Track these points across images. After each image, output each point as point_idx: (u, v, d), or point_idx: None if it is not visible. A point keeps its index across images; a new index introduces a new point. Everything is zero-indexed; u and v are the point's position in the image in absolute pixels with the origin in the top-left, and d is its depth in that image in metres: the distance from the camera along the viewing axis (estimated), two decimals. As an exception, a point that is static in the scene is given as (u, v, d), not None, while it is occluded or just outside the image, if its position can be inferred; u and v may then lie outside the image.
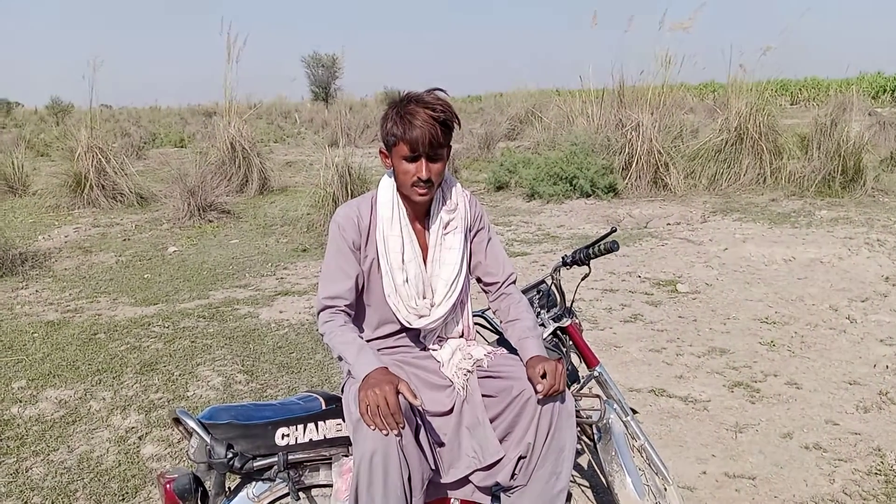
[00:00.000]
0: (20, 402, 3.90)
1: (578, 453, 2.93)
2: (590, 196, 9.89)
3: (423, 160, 1.92)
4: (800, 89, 34.73)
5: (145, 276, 6.71)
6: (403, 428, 1.70)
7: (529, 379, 1.90)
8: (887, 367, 4.10)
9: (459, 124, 1.98)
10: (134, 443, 3.42)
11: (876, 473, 3.01)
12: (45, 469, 3.20)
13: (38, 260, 7.23)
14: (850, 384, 3.90)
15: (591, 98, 11.86)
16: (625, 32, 11.44)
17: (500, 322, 2.21)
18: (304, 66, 47.56)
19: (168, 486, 1.78)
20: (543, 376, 1.87)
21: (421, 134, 1.87)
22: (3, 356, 4.59)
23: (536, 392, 1.87)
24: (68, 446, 3.40)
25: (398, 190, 2.03)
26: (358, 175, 8.62)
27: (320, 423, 1.91)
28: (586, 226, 8.47)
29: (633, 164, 10.22)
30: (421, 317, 2.03)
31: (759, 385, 3.92)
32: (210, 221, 9.24)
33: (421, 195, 1.96)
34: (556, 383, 1.86)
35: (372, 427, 1.68)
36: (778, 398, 3.75)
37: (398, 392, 1.70)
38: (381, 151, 2.04)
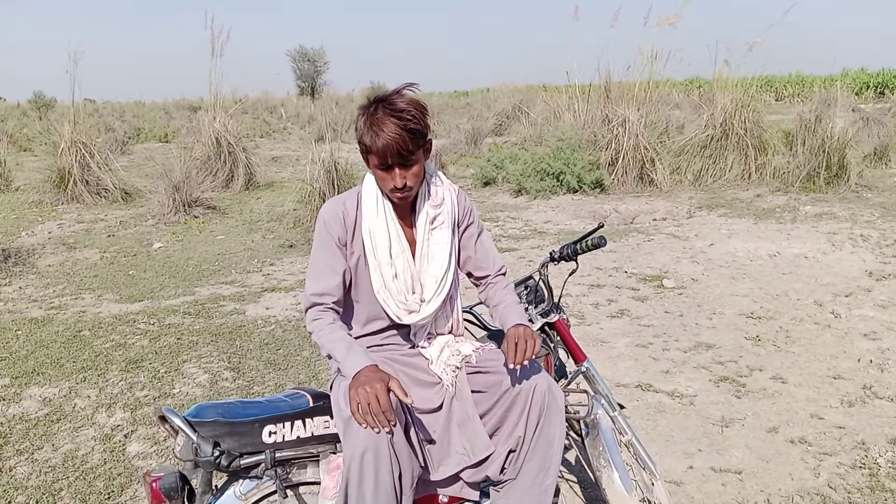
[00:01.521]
0: (3, 400, 3.86)
1: (566, 448, 2.93)
2: (576, 192, 9.91)
3: (396, 168, 1.88)
4: (784, 85, 35.01)
5: (130, 272, 6.65)
6: (395, 426, 1.69)
7: (504, 354, 1.90)
8: (871, 361, 4.13)
9: (429, 128, 1.92)
10: (119, 441, 3.39)
11: (860, 467, 3.04)
12: (29, 468, 3.16)
13: (21, 256, 7.15)
14: (835, 378, 3.93)
15: (577, 94, 11.87)
16: (611, 27, 11.43)
17: (489, 307, 2.21)
18: (289, 61, 47.23)
19: (154, 484, 1.76)
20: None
21: (387, 146, 1.82)
22: (-14, 354, 4.54)
23: (506, 366, 1.88)
24: (53, 445, 3.37)
25: None
26: (345, 170, 8.59)
27: (308, 421, 1.90)
28: (573, 221, 8.49)
29: (620, 160, 10.24)
30: (411, 312, 2.02)
31: (744, 380, 3.94)
32: (195, 217, 9.17)
33: (400, 199, 1.95)
34: (525, 345, 1.86)
35: (363, 425, 1.68)
36: (763, 393, 3.78)
37: (389, 390, 1.69)
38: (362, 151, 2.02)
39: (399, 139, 1.81)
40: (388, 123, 1.81)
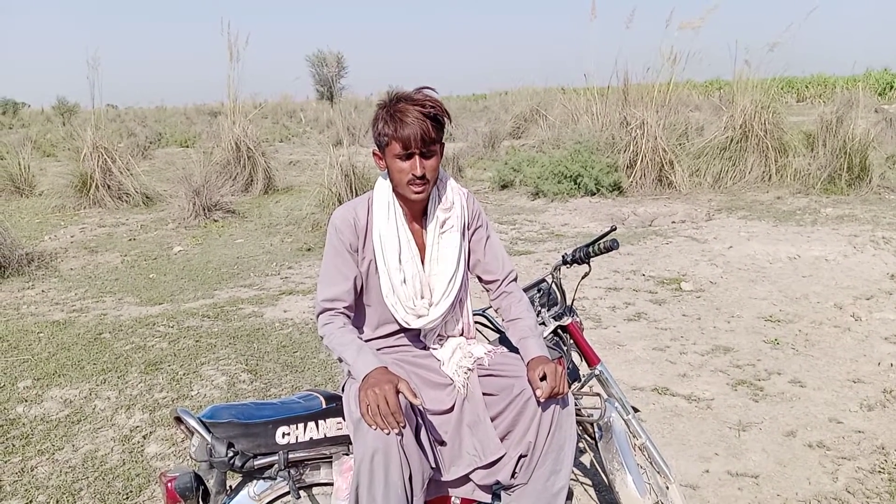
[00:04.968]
0: (26, 401, 3.92)
1: (581, 452, 2.93)
2: (594, 194, 9.88)
3: (417, 157, 1.92)
4: (806, 86, 34.63)
5: (151, 275, 6.73)
6: (404, 427, 1.70)
7: (529, 381, 1.91)
8: (892, 364, 4.08)
9: (450, 119, 1.98)
10: (138, 442, 3.43)
11: (879, 472, 3.00)
12: (50, 468, 3.21)
13: (44, 260, 7.27)
14: (854, 382, 3.89)
15: (595, 96, 11.82)
16: (626, 29, 11.34)
17: (503, 321, 2.21)
18: (308, 65, 47.31)
19: (169, 484, 1.79)
20: (543, 378, 1.87)
21: (412, 131, 1.88)
22: (9, 356, 4.61)
23: (536, 396, 1.88)
24: (73, 445, 3.42)
25: (394, 190, 2.03)
26: (362, 174, 8.64)
27: (320, 422, 1.92)
28: (591, 224, 8.46)
29: (638, 163, 10.20)
30: (419, 317, 2.03)
31: (762, 383, 3.91)
32: (215, 221, 9.26)
33: (417, 192, 1.96)
34: (556, 385, 1.86)
35: (373, 426, 1.69)
36: (781, 396, 3.74)
37: (398, 391, 1.70)
38: (374, 153, 2.05)
39: (423, 124, 1.89)
40: (412, 111, 1.89)
